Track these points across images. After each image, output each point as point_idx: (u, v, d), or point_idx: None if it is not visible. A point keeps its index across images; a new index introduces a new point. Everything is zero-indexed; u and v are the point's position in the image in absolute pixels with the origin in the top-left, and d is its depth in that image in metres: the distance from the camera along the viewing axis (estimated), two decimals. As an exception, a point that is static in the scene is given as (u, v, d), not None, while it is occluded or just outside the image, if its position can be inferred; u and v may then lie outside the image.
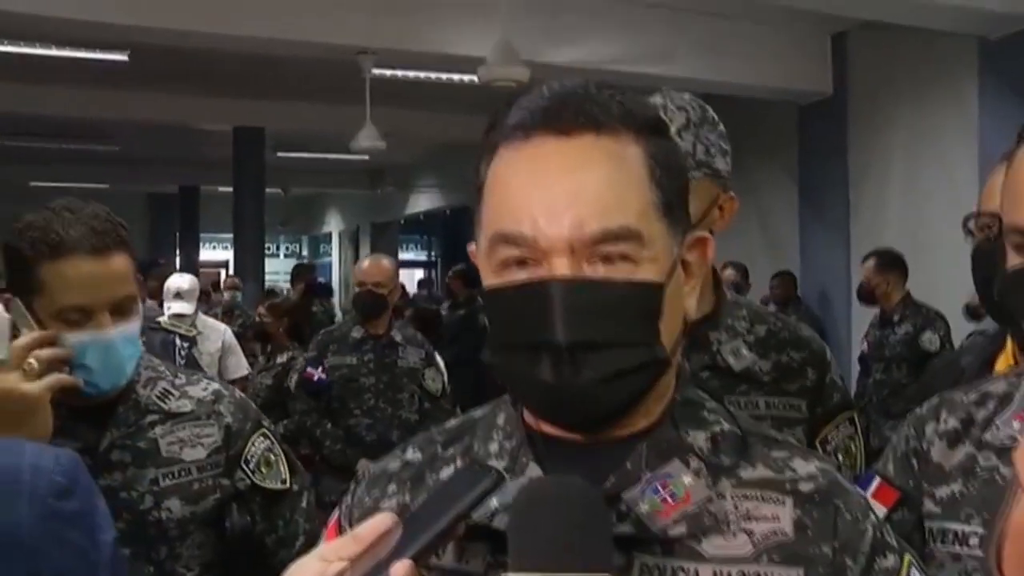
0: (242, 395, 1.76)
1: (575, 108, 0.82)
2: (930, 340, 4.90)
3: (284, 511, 1.72)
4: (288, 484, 1.73)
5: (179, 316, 5.02)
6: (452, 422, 0.99)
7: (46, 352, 1.42)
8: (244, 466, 1.67)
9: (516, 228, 0.80)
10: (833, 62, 7.86)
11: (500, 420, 0.91)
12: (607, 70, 6.78)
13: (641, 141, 0.83)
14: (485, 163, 0.85)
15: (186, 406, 1.64)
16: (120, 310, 1.50)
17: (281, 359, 5.20)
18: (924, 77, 7.09)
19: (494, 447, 0.89)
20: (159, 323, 4.92)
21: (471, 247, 0.90)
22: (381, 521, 0.73)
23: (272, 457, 1.71)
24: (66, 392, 1.45)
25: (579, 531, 0.72)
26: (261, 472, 1.69)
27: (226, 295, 8.75)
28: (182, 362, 4.89)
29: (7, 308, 1.49)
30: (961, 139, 6.69)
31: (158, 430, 1.60)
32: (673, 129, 1.46)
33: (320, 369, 4.14)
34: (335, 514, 0.98)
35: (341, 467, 4.02)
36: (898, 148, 7.35)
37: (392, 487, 0.93)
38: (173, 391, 1.65)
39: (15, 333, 1.47)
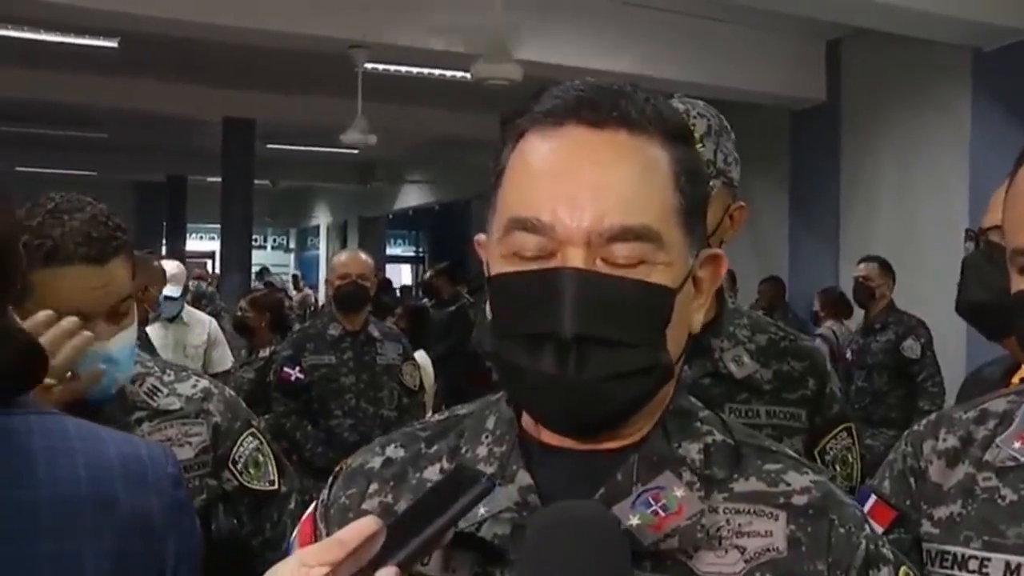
0: (232, 394, 1.70)
1: (610, 103, 0.80)
2: (911, 348, 4.91)
3: (272, 513, 1.68)
4: (276, 485, 1.68)
5: (168, 299, 4.98)
6: (435, 418, 0.96)
7: (60, 360, 1.37)
8: (232, 466, 1.62)
9: (535, 215, 0.78)
10: (827, 69, 7.89)
11: (490, 424, 0.89)
12: (600, 71, 6.77)
13: (668, 146, 0.82)
14: (509, 148, 0.84)
15: (174, 404, 1.59)
16: (116, 316, 1.45)
17: (263, 353, 5.16)
18: (917, 86, 7.11)
19: (483, 451, 0.87)
20: None
21: (479, 238, 0.87)
22: (366, 525, 0.71)
23: (261, 458, 1.66)
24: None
25: (598, 565, 0.71)
26: (249, 473, 1.64)
27: (191, 285, 8.55)
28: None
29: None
30: (952, 149, 6.72)
31: (145, 427, 1.54)
32: (696, 136, 1.46)
33: (297, 369, 4.01)
34: (309, 511, 0.95)
35: (323, 469, 3.96)
36: (890, 156, 7.37)
37: (374, 486, 0.90)
38: (162, 388, 1.60)
39: None
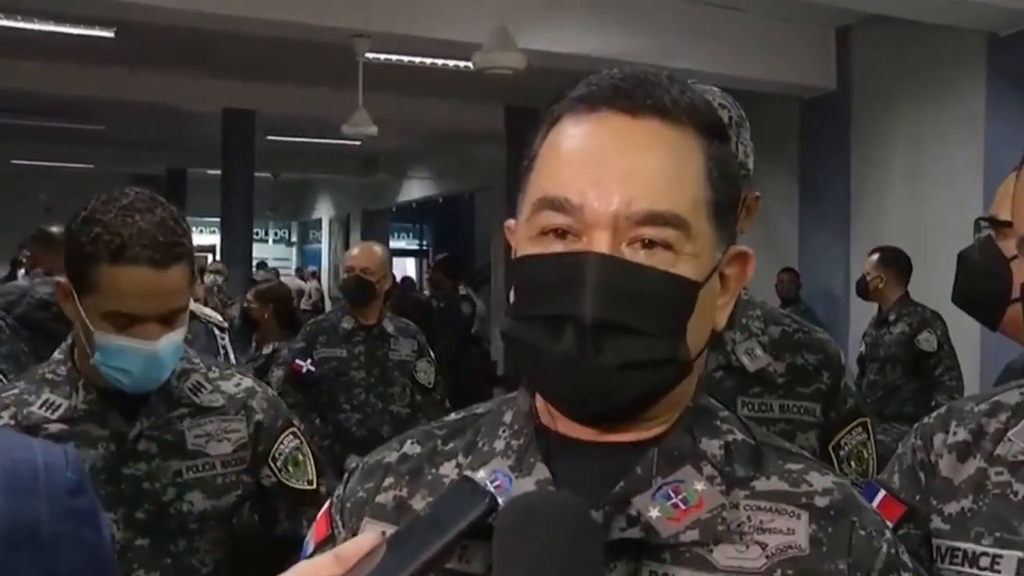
0: (274, 393, 1.77)
1: (645, 91, 0.81)
2: (927, 340, 4.80)
3: (310, 512, 1.68)
4: (315, 485, 1.73)
5: None
6: (452, 416, 0.96)
7: None
8: (271, 463, 1.68)
9: (563, 194, 0.79)
10: (837, 56, 7.81)
11: (507, 418, 0.89)
12: (605, 59, 6.67)
13: (702, 139, 0.82)
14: (542, 135, 0.84)
15: (217, 400, 1.65)
16: (169, 320, 1.51)
17: (266, 350, 5.06)
18: (929, 73, 7.03)
19: (500, 445, 0.86)
20: (196, 313, 4.76)
21: (509, 223, 0.88)
22: (366, 540, 0.71)
23: (300, 457, 1.72)
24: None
25: (567, 554, 0.70)
26: (288, 471, 1.70)
27: (207, 279, 8.66)
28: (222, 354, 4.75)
29: (65, 299, 1.49)
30: (966, 136, 6.63)
31: (186, 423, 1.61)
32: None
33: (308, 361, 3.99)
34: (325, 507, 0.95)
35: (330, 464, 3.90)
36: (901, 144, 7.29)
37: (389, 479, 0.90)
38: (206, 384, 1.66)
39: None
